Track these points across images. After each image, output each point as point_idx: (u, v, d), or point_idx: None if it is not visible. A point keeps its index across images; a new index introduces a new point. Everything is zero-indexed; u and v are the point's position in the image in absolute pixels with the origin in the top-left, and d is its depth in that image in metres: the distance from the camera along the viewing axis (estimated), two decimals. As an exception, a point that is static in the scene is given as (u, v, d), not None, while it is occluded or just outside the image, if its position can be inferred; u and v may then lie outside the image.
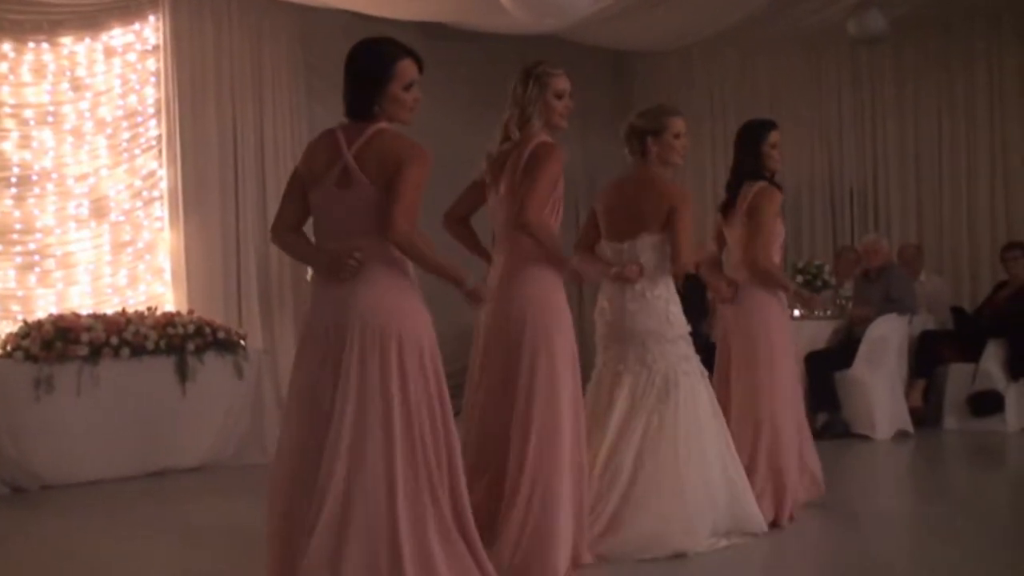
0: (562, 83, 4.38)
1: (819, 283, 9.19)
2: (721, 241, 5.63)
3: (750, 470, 5.05)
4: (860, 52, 10.39)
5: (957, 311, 9.31)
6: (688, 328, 4.92)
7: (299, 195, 3.77)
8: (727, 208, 5.47)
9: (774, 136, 5.45)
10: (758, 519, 4.89)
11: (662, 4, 8.97)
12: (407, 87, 3.69)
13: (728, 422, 5.03)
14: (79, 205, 8.74)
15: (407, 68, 3.69)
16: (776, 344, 5.34)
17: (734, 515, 4.82)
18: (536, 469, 4.14)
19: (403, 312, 3.64)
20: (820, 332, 8.76)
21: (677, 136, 4.90)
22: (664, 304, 4.80)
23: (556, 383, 4.22)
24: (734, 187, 5.45)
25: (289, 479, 3.64)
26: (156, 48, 9.04)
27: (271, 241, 3.98)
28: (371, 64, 3.68)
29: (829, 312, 9.03)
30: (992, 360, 8.39)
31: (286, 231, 3.82)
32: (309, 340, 3.71)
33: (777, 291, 5.44)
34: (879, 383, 8.20)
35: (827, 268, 9.42)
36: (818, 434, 8.12)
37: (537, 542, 4.10)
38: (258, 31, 9.50)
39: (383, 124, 3.69)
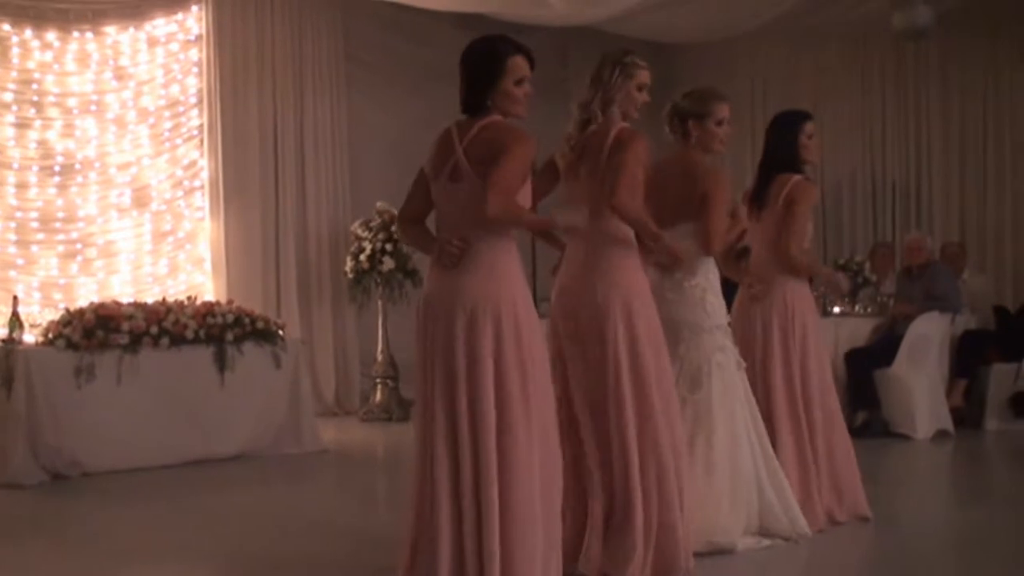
0: (646, 77, 4.45)
1: (860, 279, 9.11)
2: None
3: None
4: (905, 47, 10.25)
5: (1000, 310, 9.20)
6: (728, 318, 4.86)
7: (422, 190, 3.93)
8: (757, 201, 5.23)
9: (810, 127, 5.26)
10: (798, 521, 4.82)
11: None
12: (518, 82, 3.80)
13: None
14: (121, 194, 8.83)
15: (519, 64, 3.80)
16: (811, 345, 5.23)
17: (771, 515, 4.76)
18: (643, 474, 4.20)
19: (502, 297, 3.73)
20: (861, 329, 8.68)
21: (720, 123, 4.83)
22: (701, 293, 4.74)
23: (644, 371, 4.25)
24: (764, 179, 5.24)
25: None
26: (199, 38, 9.12)
27: (396, 233, 4.18)
28: (484, 60, 3.80)
29: (870, 309, 8.95)
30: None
31: (409, 223, 4.02)
32: (422, 323, 3.83)
33: (811, 291, 5.36)
34: (920, 382, 8.11)
35: (868, 265, 9.33)
36: (857, 432, 8.09)
37: (663, 538, 4.19)
38: (299, 22, 9.56)
39: (495, 117, 3.80)
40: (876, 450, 7.61)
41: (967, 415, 8.42)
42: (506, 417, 3.66)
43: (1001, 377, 8.41)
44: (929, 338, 8.23)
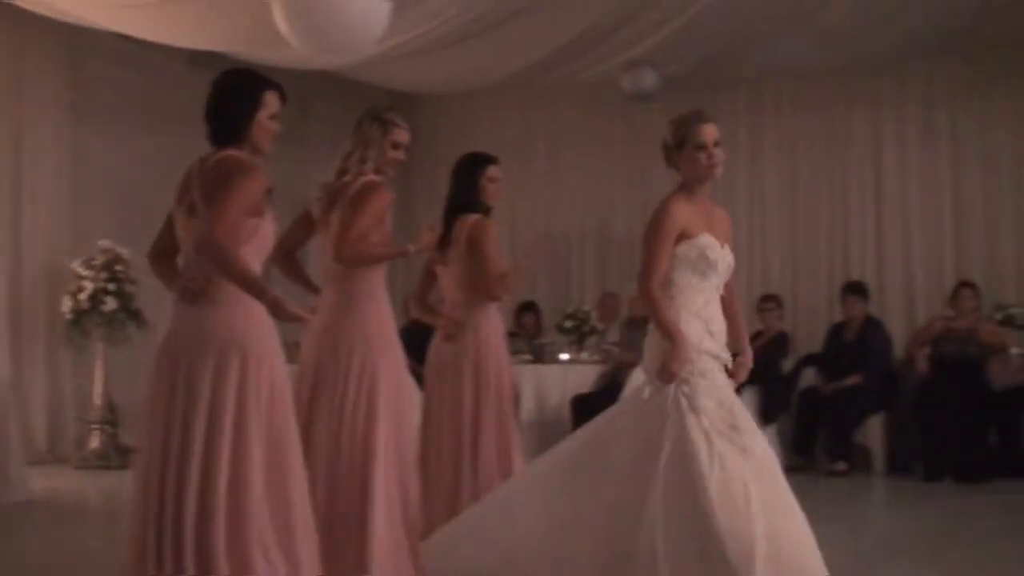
0: (402, 135, 4.58)
1: (586, 328, 9.44)
2: (431, 276, 5.41)
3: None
4: (633, 107, 10.77)
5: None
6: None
7: (169, 224, 3.86)
8: (442, 242, 5.17)
9: (493, 170, 5.30)
10: None
11: (445, 49, 9.07)
12: (272, 117, 3.81)
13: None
14: None
15: (274, 99, 3.81)
16: (505, 380, 5.24)
17: None
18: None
19: (248, 333, 3.68)
20: (586, 375, 8.98)
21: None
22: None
23: (375, 413, 4.32)
24: (448, 221, 5.23)
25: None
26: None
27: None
28: (241, 91, 3.80)
29: (596, 356, 9.28)
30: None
31: (155, 259, 3.94)
32: (160, 360, 3.70)
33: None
34: (640, 427, 8.44)
35: (595, 314, 9.68)
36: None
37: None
38: (21, 49, 9.10)
39: (230, 151, 3.75)
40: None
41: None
42: (242, 453, 3.60)
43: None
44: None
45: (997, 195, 10.04)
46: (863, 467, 8.74)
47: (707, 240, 4.17)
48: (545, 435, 8.82)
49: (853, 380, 8.80)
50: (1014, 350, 8.73)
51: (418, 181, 10.91)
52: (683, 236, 4.15)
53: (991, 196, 10.05)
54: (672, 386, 4.00)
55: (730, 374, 4.20)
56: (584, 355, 9.36)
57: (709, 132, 4.25)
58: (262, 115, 3.77)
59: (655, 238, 4.14)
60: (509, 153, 11.24)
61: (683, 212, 4.18)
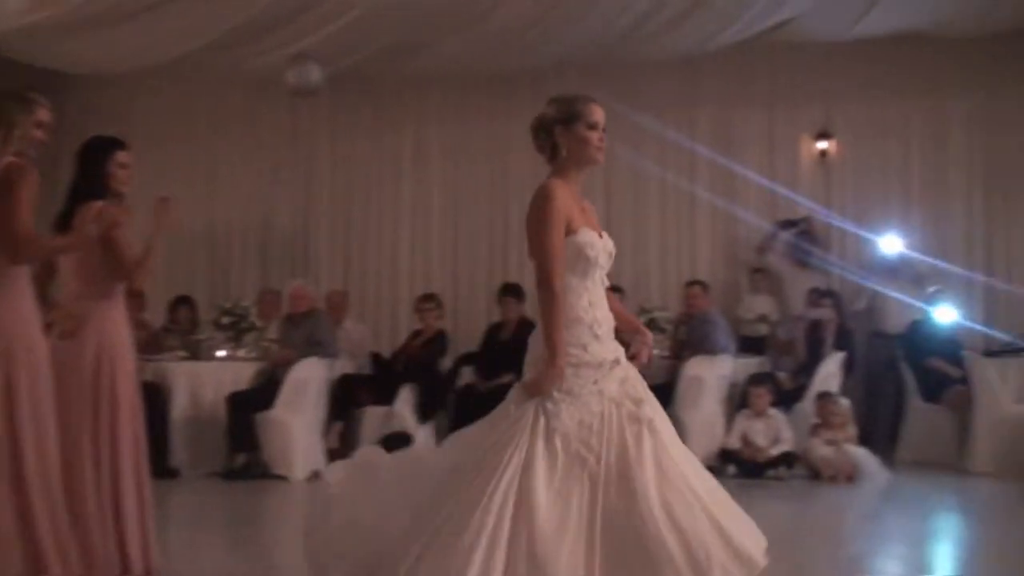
0: (46, 115, 4.39)
1: (245, 324, 9.21)
2: (50, 267, 4.87)
3: None
4: (299, 103, 10.63)
5: (376, 356, 9.77)
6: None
7: None
8: (61, 229, 4.75)
9: (122, 156, 4.93)
10: None
11: (99, 27, 8.61)
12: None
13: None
14: None
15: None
16: (121, 389, 4.77)
17: None
18: None
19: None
20: (244, 372, 8.77)
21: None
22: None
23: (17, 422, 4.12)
24: (69, 206, 4.82)
25: None
26: None
27: None
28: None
29: (254, 353, 9.08)
30: (405, 403, 8.88)
31: None
32: None
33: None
34: (299, 425, 8.35)
35: (254, 310, 9.46)
36: (237, 475, 8.15)
37: None
38: None
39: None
40: (255, 492, 7.72)
41: (342, 456, 8.76)
42: None
43: (374, 419, 8.91)
44: (310, 382, 8.50)
45: (644, 204, 10.73)
46: (516, 462, 9.01)
47: (586, 236, 3.82)
48: (199, 433, 8.56)
49: (508, 379, 9.04)
50: (655, 352, 9.28)
51: (67, 166, 10.23)
52: (566, 229, 3.79)
53: (639, 205, 10.72)
54: (535, 402, 3.67)
55: (632, 358, 3.89)
56: (242, 352, 9.12)
57: (601, 113, 3.91)
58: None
59: (546, 228, 3.73)
60: (170, 141, 10.94)
61: (565, 199, 3.81)
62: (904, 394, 9.19)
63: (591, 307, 3.80)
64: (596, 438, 3.68)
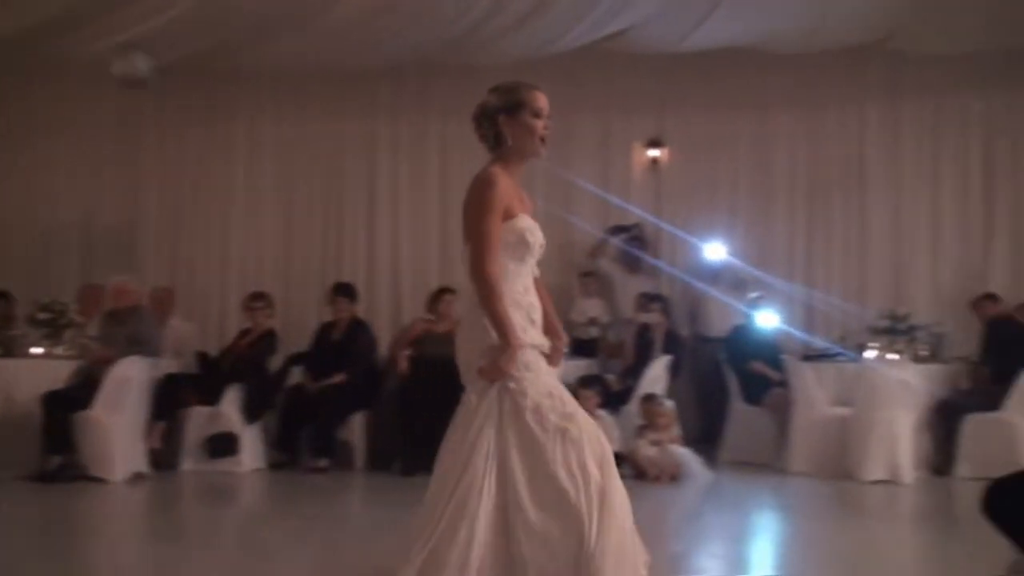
0: None
1: (63, 321, 8.83)
2: None
3: None
4: (125, 93, 10.26)
5: (202, 355, 9.52)
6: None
7: None
8: None
9: None
10: None
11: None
12: None
13: None
14: None
15: None
16: None
17: None
18: None
19: None
20: (61, 371, 8.40)
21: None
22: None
23: None
24: None
25: None
26: None
27: None
28: None
29: (72, 351, 8.72)
30: (231, 404, 8.67)
31: None
32: None
33: None
34: (119, 425, 8.05)
35: (74, 307, 9.08)
36: (51, 478, 7.80)
37: None
38: None
39: None
40: (72, 495, 7.41)
41: (165, 457, 8.54)
42: None
43: (199, 419, 8.67)
44: (131, 381, 8.21)
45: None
46: (345, 464, 8.92)
47: (526, 222, 3.80)
48: (12, 434, 8.17)
49: (338, 379, 8.96)
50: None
51: None
52: (505, 214, 3.74)
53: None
54: (496, 386, 3.65)
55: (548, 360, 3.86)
56: (59, 350, 8.74)
57: (545, 101, 3.87)
58: None
59: (485, 214, 3.69)
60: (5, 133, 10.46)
61: (506, 186, 3.76)
62: (727, 396, 9.47)
63: (526, 292, 3.81)
64: (570, 403, 3.71)
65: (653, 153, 10.79)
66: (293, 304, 10.66)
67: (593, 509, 3.57)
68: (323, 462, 8.70)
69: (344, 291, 9.46)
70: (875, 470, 8.13)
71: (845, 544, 6.06)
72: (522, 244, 3.78)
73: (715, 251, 10.31)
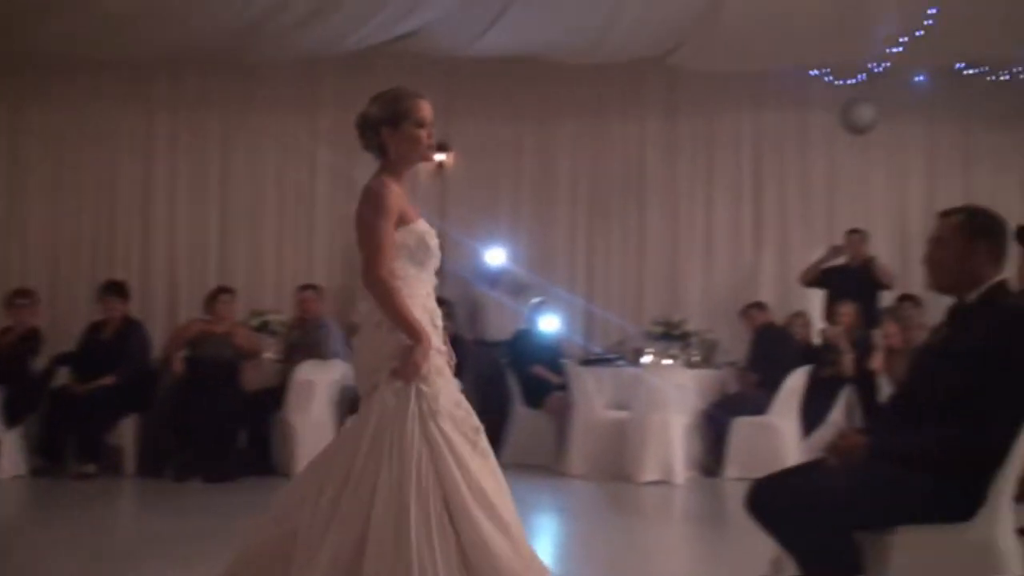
0: None
1: None
2: None
3: None
4: None
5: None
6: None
7: None
8: None
9: None
10: None
11: None
12: None
13: None
14: None
15: None
16: None
17: None
18: None
19: None
20: None
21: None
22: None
23: None
24: None
25: None
26: None
27: None
28: None
29: None
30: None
31: None
32: None
33: None
34: None
35: None
36: None
37: None
38: None
39: None
40: None
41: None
42: None
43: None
44: None
45: (261, 206, 10.53)
46: (114, 469, 8.54)
47: (424, 227, 3.82)
48: None
49: (108, 380, 8.59)
50: (268, 355, 9.14)
51: None
52: (400, 220, 3.75)
53: (257, 207, 10.52)
54: (411, 387, 3.64)
55: None
56: None
57: (429, 109, 3.85)
58: None
59: (379, 218, 3.68)
60: None
61: (398, 195, 3.76)
62: (508, 400, 9.56)
63: (428, 297, 3.82)
64: (474, 416, 3.80)
65: (438, 157, 10.81)
66: (60, 302, 10.14)
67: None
68: (90, 467, 8.31)
69: (115, 289, 9.08)
70: (650, 471, 8.38)
71: (618, 543, 6.22)
72: (422, 248, 3.81)
73: (495, 256, 10.43)
